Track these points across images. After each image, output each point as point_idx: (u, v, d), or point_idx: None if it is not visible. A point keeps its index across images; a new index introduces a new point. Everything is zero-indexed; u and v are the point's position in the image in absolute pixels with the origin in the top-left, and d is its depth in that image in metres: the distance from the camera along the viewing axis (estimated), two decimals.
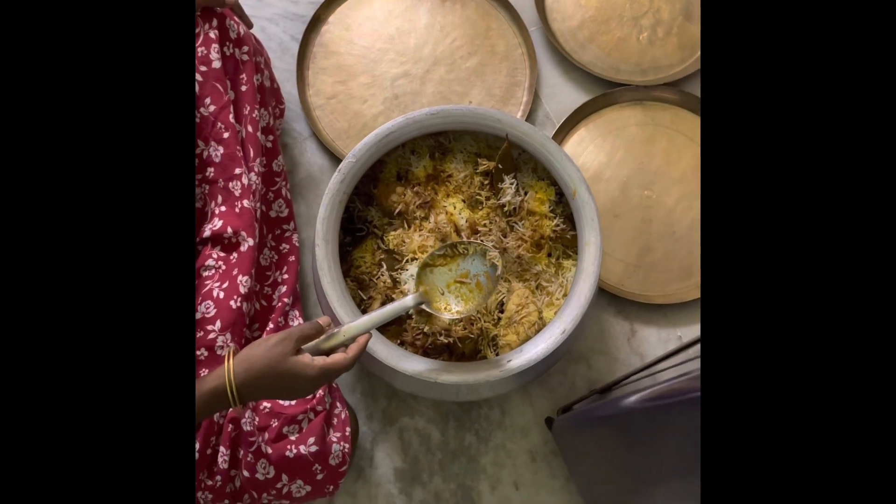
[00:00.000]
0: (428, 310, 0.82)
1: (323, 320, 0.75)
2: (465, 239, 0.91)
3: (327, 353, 0.72)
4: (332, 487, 0.89)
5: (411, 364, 0.84)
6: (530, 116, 1.14)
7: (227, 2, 0.93)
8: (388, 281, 0.92)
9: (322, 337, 0.73)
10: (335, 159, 1.11)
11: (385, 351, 0.85)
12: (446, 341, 0.89)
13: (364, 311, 0.91)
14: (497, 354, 0.90)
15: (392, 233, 0.94)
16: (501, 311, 0.92)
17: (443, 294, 0.83)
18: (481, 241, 0.91)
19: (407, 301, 0.79)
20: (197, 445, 0.84)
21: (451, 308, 0.83)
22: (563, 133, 1.13)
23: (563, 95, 1.16)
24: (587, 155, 1.13)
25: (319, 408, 0.88)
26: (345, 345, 0.73)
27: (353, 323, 0.75)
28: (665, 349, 1.04)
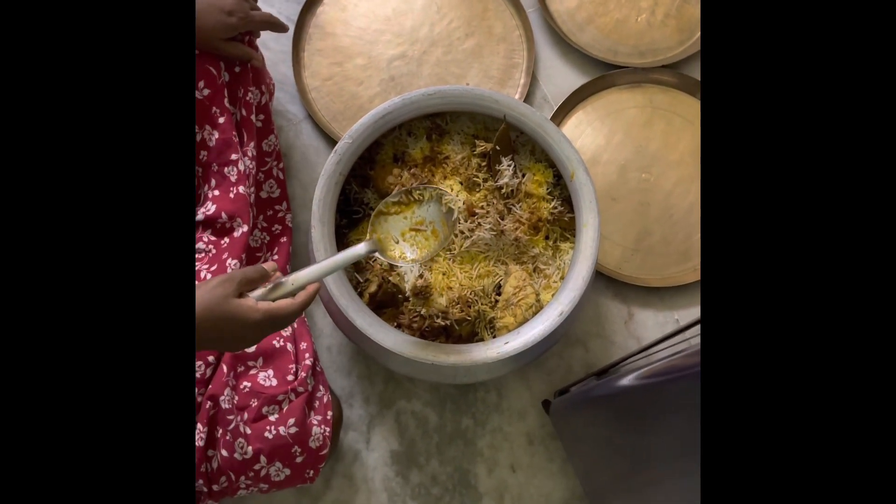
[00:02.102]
0: (381, 257, 0.80)
1: (268, 265, 0.71)
2: (419, 185, 0.88)
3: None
4: (311, 472, 0.88)
5: (407, 346, 0.84)
6: (528, 98, 1.14)
7: (255, 61, 0.93)
8: (385, 263, 0.91)
9: (269, 286, 0.68)
10: (331, 141, 1.10)
11: (381, 333, 0.84)
12: (443, 324, 0.89)
13: (361, 294, 0.90)
14: (494, 337, 0.89)
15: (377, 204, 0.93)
16: (499, 294, 0.92)
17: (397, 242, 0.81)
18: (439, 186, 0.89)
19: (358, 248, 0.76)
20: None
21: (405, 256, 0.81)
22: (560, 115, 1.12)
23: (561, 77, 1.15)
24: (585, 137, 1.12)
25: (301, 389, 0.87)
26: (292, 294, 0.69)
27: (300, 272, 0.71)
28: (662, 332, 1.04)
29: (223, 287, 0.65)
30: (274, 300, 0.68)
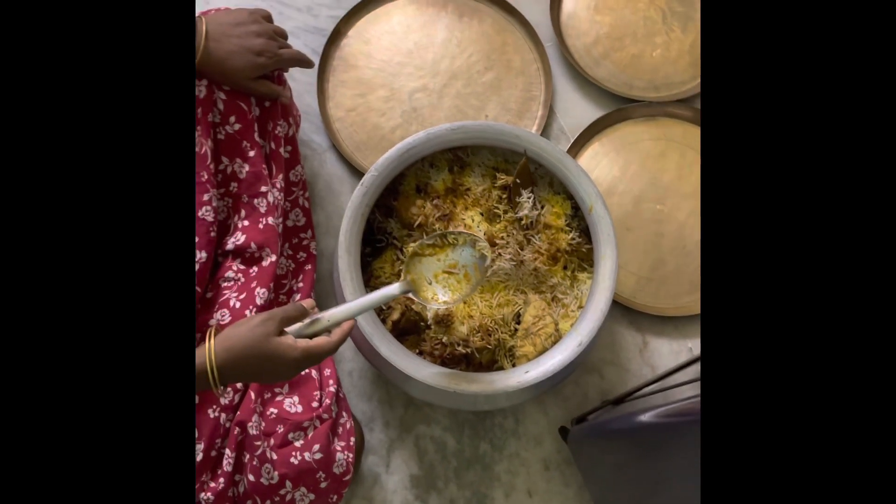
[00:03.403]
0: (415, 298, 0.83)
1: (307, 303, 0.74)
2: (454, 229, 0.92)
3: (310, 337, 0.72)
4: (335, 497, 0.90)
5: (429, 373, 0.86)
6: (545, 131, 1.17)
7: (283, 98, 0.96)
8: None
9: (306, 321, 0.72)
10: (354, 170, 1.13)
11: (404, 360, 0.87)
12: (464, 352, 0.92)
13: (384, 321, 0.93)
14: (514, 365, 0.92)
15: (411, 245, 0.96)
16: (518, 323, 0.94)
17: (430, 284, 0.84)
18: (472, 232, 0.92)
19: (392, 289, 0.80)
20: (202, 446, 0.85)
21: (437, 298, 0.84)
22: (577, 147, 1.15)
23: (578, 110, 1.18)
24: (601, 169, 1.15)
25: (325, 416, 0.90)
26: (328, 330, 0.73)
27: (336, 309, 0.74)
28: (676, 361, 1.06)
29: (265, 326, 0.68)
30: (310, 335, 0.71)
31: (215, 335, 0.69)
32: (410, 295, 0.82)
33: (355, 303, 0.76)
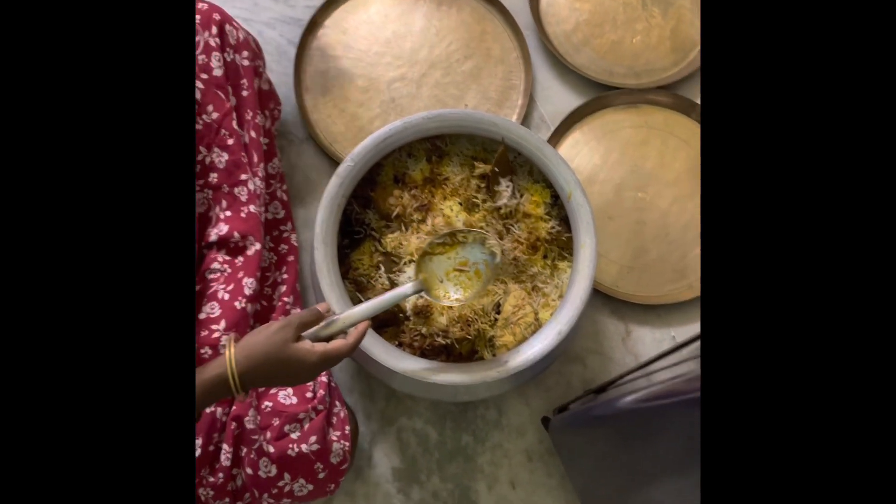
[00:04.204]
0: (427, 297, 0.83)
1: (322, 306, 0.75)
2: (464, 228, 0.92)
3: (326, 340, 0.73)
4: (333, 486, 0.90)
5: (409, 365, 0.85)
6: (526, 119, 1.16)
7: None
8: (386, 283, 0.93)
9: (321, 324, 0.73)
10: (332, 162, 1.12)
11: (383, 352, 0.86)
12: (444, 342, 0.91)
13: None
14: (494, 355, 0.91)
15: (389, 235, 0.95)
16: (498, 313, 0.93)
17: (441, 282, 0.84)
18: (481, 228, 0.92)
19: (406, 289, 0.80)
20: (199, 442, 0.85)
21: (449, 296, 0.84)
22: (558, 135, 1.14)
23: (558, 98, 1.17)
24: (582, 157, 1.14)
25: (320, 407, 0.89)
26: (343, 332, 0.74)
27: (351, 311, 0.75)
28: (659, 349, 1.05)
29: (283, 332, 0.70)
30: (326, 338, 0.73)
31: (235, 343, 0.70)
32: (423, 294, 0.82)
33: (369, 304, 0.77)
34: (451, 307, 0.91)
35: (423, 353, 0.91)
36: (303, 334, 0.72)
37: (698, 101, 1.15)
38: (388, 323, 0.93)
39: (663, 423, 0.67)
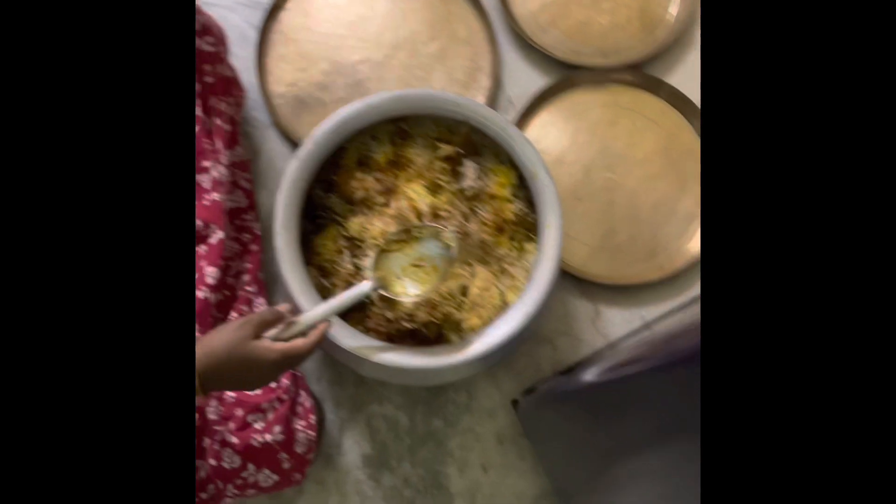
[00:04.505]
0: (386, 294, 0.82)
1: (283, 307, 0.75)
2: (420, 222, 0.91)
3: (287, 341, 0.73)
4: (299, 476, 0.89)
5: (375, 351, 0.84)
6: (493, 101, 1.14)
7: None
8: (351, 268, 0.92)
9: (281, 327, 0.73)
10: (297, 147, 1.10)
11: (349, 339, 0.85)
12: (410, 327, 0.90)
13: (326, 299, 0.90)
14: (461, 338, 0.90)
15: (354, 220, 0.94)
16: (465, 295, 0.92)
17: (399, 278, 0.84)
18: (437, 224, 0.92)
19: (364, 287, 0.80)
20: None
21: (407, 291, 0.84)
22: (525, 117, 1.13)
23: (525, 79, 1.16)
24: (550, 138, 1.13)
25: (284, 396, 0.88)
26: (304, 333, 0.74)
27: (311, 312, 0.76)
28: (629, 329, 1.05)
29: (242, 330, 0.69)
30: (287, 339, 0.72)
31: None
32: (381, 291, 0.82)
33: (329, 304, 0.78)
34: None
35: (390, 338, 0.89)
36: (264, 335, 0.71)
37: (666, 80, 1.14)
38: (353, 308, 0.92)
39: (629, 392, 0.66)
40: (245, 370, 0.69)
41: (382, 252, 0.84)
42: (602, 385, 0.69)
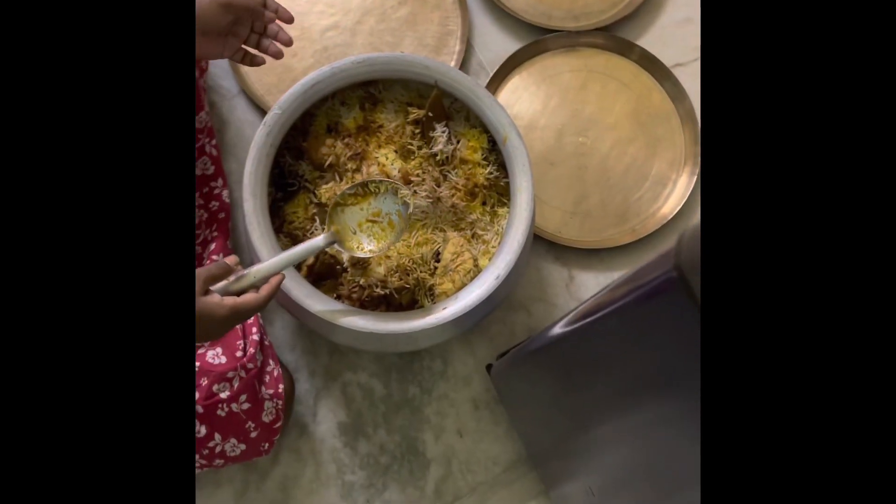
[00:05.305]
0: (339, 249, 0.82)
1: (230, 259, 0.73)
2: (374, 178, 0.90)
3: (237, 294, 0.71)
4: (267, 445, 0.88)
5: (344, 314, 0.84)
6: (464, 65, 1.13)
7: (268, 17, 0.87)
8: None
9: (231, 278, 0.71)
10: (265, 115, 1.08)
11: (320, 305, 0.84)
12: (383, 293, 0.89)
13: (298, 267, 0.90)
14: (434, 303, 0.90)
15: (324, 186, 0.93)
16: (437, 261, 0.92)
17: (355, 233, 0.83)
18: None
19: (317, 241, 0.79)
20: None
21: (363, 247, 0.83)
22: (496, 81, 1.12)
23: (496, 44, 1.15)
24: (522, 103, 1.12)
25: (250, 365, 0.87)
26: (255, 286, 0.72)
27: (262, 265, 0.73)
28: None
29: None
30: (237, 292, 0.70)
31: None
32: (336, 246, 0.81)
33: (280, 257, 0.76)
34: (388, 257, 0.89)
35: (363, 305, 0.89)
36: (212, 288, 0.69)
37: (637, 42, 1.13)
38: (325, 276, 0.91)
39: (597, 350, 0.65)
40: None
41: (337, 206, 0.83)
42: (568, 336, 0.68)
